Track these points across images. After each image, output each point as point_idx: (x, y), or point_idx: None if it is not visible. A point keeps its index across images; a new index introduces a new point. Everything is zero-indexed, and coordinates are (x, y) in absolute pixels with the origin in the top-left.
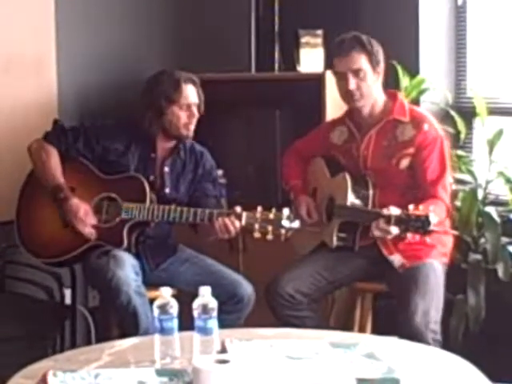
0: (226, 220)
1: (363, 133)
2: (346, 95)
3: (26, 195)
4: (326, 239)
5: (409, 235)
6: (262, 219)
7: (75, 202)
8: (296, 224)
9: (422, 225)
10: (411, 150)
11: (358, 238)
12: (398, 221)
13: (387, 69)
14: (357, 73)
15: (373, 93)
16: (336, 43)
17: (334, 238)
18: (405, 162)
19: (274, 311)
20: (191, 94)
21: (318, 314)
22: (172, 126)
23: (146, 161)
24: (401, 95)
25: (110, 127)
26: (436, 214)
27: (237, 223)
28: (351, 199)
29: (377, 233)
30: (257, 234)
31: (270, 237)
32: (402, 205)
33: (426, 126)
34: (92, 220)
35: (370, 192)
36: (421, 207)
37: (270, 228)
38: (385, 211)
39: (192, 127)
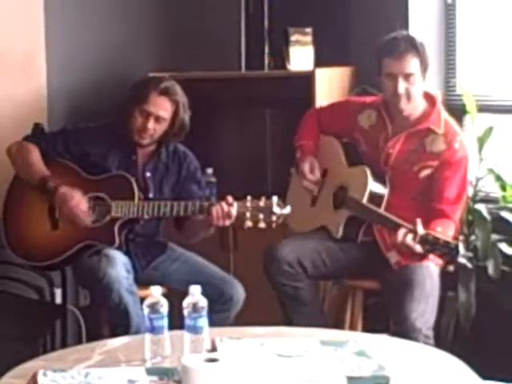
0: (224, 204)
1: (396, 130)
2: (394, 96)
3: (12, 199)
4: (331, 228)
5: (431, 256)
6: (253, 207)
7: (64, 190)
8: (287, 210)
9: (449, 252)
10: (435, 163)
11: (361, 232)
12: (424, 241)
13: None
14: (408, 77)
15: (418, 96)
16: (387, 42)
17: (341, 230)
18: (425, 172)
19: (270, 277)
20: (158, 105)
21: (314, 290)
22: (129, 128)
23: (128, 164)
24: (439, 102)
25: (91, 130)
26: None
27: (231, 209)
28: (367, 197)
29: (399, 244)
30: (248, 223)
31: (262, 225)
32: (411, 209)
33: (457, 145)
34: (84, 206)
35: (386, 192)
36: (450, 232)
37: (261, 216)
38: (410, 226)
39: (146, 136)
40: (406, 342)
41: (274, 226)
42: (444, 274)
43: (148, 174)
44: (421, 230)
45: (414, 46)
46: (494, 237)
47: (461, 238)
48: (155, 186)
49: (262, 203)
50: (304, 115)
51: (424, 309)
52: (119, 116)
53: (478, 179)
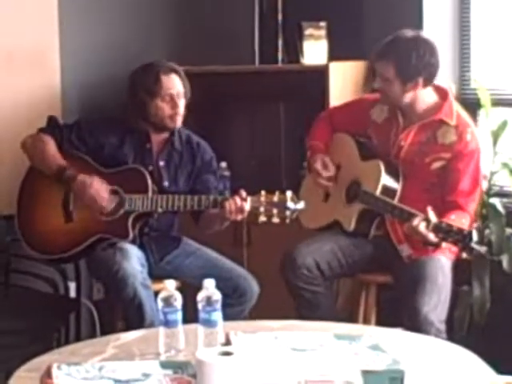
0: (237, 199)
1: (407, 123)
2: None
3: (25, 192)
4: (344, 221)
5: (443, 244)
6: (267, 202)
7: (82, 177)
8: (301, 205)
9: (462, 238)
10: (448, 155)
11: (374, 226)
12: (437, 228)
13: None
14: (384, 78)
15: (405, 99)
16: (381, 43)
17: (353, 223)
18: (437, 164)
19: (288, 281)
20: (172, 84)
21: (332, 293)
22: (157, 118)
23: (143, 152)
24: (451, 95)
25: (104, 121)
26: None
27: (244, 204)
28: (381, 189)
29: (411, 232)
30: (262, 218)
31: (275, 220)
32: (424, 200)
33: (468, 136)
34: (104, 193)
35: (400, 184)
36: (464, 220)
37: (275, 211)
38: (424, 216)
39: (178, 117)
40: (421, 336)
41: (287, 221)
42: (458, 267)
43: (162, 163)
44: (433, 218)
45: (393, 51)
46: (509, 231)
47: (475, 226)
48: (170, 175)
49: (275, 198)
50: (317, 116)
51: (436, 302)
52: (132, 112)
53: (492, 173)
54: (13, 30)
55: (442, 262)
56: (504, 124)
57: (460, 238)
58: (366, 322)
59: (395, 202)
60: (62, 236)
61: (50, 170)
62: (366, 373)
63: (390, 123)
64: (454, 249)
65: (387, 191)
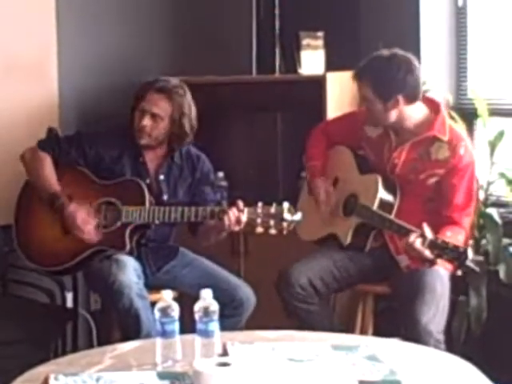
0: (234, 210)
1: (399, 140)
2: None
3: (23, 203)
4: (340, 234)
5: (438, 261)
6: (264, 214)
7: (72, 209)
8: (298, 217)
9: (458, 256)
10: (442, 171)
11: (370, 239)
12: (433, 245)
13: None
14: (364, 98)
15: (389, 118)
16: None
17: (349, 236)
18: (433, 180)
19: (284, 301)
20: (152, 101)
21: (325, 311)
22: (134, 131)
23: (138, 166)
24: (443, 109)
25: (104, 134)
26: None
27: (241, 215)
28: (378, 204)
29: (408, 248)
30: (259, 229)
31: (272, 231)
32: (421, 214)
33: (462, 151)
34: (91, 225)
35: (397, 199)
36: (460, 237)
37: (272, 222)
38: (419, 231)
39: (144, 136)
40: (417, 347)
41: (285, 232)
42: (455, 278)
43: (161, 177)
44: (429, 234)
45: (368, 71)
46: (506, 241)
47: (470, 243)
48: (169, 189)
49: (272, 209)
50: (312, 129)
51: (435, 312)
52: (128, 120)
53: (489, 183)
54: (11, 40)
55: (441, 272)
56: (501, 134)
57: (455, 256)
58: (363, 332)
59: (392, 216)
60: (60, 248)
61: (42, 194)
62: (362, 383)
63: (384, 140)
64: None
65: (384, 205)
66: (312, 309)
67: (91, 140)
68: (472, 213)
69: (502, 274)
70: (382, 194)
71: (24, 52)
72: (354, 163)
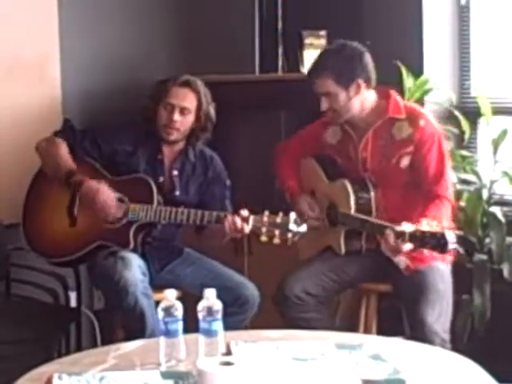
0: (236, 218)
1: (360, 134)
2: (326, 113)
3: (32, 196)
4: (334, 245)
5: (425, 251)
6: (270, 223)
7: (89, 184)
8: (303, 228)
9: (438, 243)
10: (410, 149)
11: (364, 241)
12: (413, 238)
13: (383, 71)
14: (327, 94)
15: (353, 107)
16: (310, 64)
17: (343, 246)
18: (405, 161)
19: (282, 314)
20: (179, 95)
21: (325, 315)
22: (156, 126)
23: (154, 163)
24: (394, 93)
25: (118, 128)
26: (444, 217)
27: (245, 226)
28: (355, 207)
29: (386, 250)
30: (264, 238)
31: (276, 241)
32: (404, 204)
33: (422, 122)
34: (113, 200)
35: (372, 194)
36: (434, 223)
37: (277, 232)
38: (397, 227)
39: (173, 131)
40: (421, 345)
41: (289, 243)
42: (458, 276)
43: (175, 173)
44: (408, 228)
45: (324, 67)
46: (509, 239)
47: (451, 225)
48: (182, 185)
49: (278, 219)
50: (274, 153)
51: (439, 312)
52: (143, 117)
53: (492, 182)
54: (13, 41)
55: (441, 269)
56: (504, 133)
57: (436, 243)
58: (367, 331)
59: (373, 213)
60: (65, 240)
61: (59, 173)
62: (366, 382)
63: (345, 141)
64: (449, 257)
65: (361, 206)
66: (310, 316)
67: (105, 134)
68: (449, 181)
69: (505, 273)
70: (355, 196)
71: (26, 52)
72: (321, 172)
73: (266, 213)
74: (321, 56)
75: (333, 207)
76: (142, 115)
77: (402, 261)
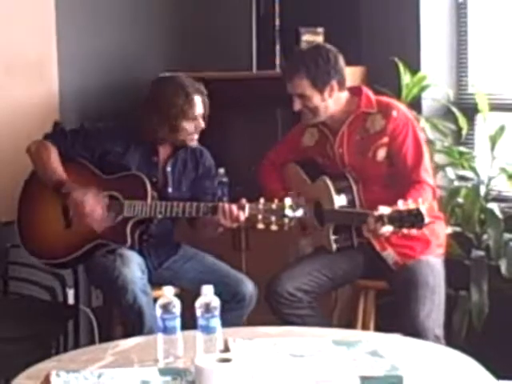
0: (232, 206)
1: (334, 132)
2: (300, 114)
3: (26, 196)
4: (325, 244)
5: (404, 230)
6: (265, 210)
7: (77, 195)
8: (299, 213)
9: (415, 219)
10: (385, 140)
11: (354, 235)
12: (391, 219)
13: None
14: (301, 96)
15: (327, 108)
16: (284, 63)
17: (333, 243)
18: (381, 153)
19: (274, 311)
20: (199, 105)
21: (319, 312)
22: (179, 137)
23: (148, 164)
24: (365, 88)
25: (110, 129)
26: (424, 200)
27: (241, 214)
28: (338, 202)
29: (368, 234)
30: (260, 225)
31: (274, 227)
32: (387, 197)
33: (394, 113)
34: (99, 212)
35: (354, 188)
36: (410, 201)
37: (273, 218)
38: (375, 212)
39: (196, 136)
40: (419, 342)
41: (285, 228)
42: (456, 272)
43: (169, 169)
44: (385, 210)
45: (300, 68)
46: (507, 236)
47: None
48: (174, 181)
49: (274, 206)
50: (258, 172)
51: (431, 308)
52: (140, 116)
53: (490, 178)
54: (10, 41)
55: (431, 263)
56: (502, 129)
57: (413, 220)
58: (365, 327)
59: (357, 206)
60: (61, 241)
61: (49, 182)
62: (364, 379)
63: (322, 141)
64: (441, 250)
65: (344, 199)
66: (303, 313)
67: (97, 134)
68: (429, 167)
69: (503, 269)
70: (337, 190)
71: (24, 51)
72: (304, 174)
73: (262, 200)
74: (297, 57)
75: (318, 206)
76: (155, 121)
77: (390, 256)
